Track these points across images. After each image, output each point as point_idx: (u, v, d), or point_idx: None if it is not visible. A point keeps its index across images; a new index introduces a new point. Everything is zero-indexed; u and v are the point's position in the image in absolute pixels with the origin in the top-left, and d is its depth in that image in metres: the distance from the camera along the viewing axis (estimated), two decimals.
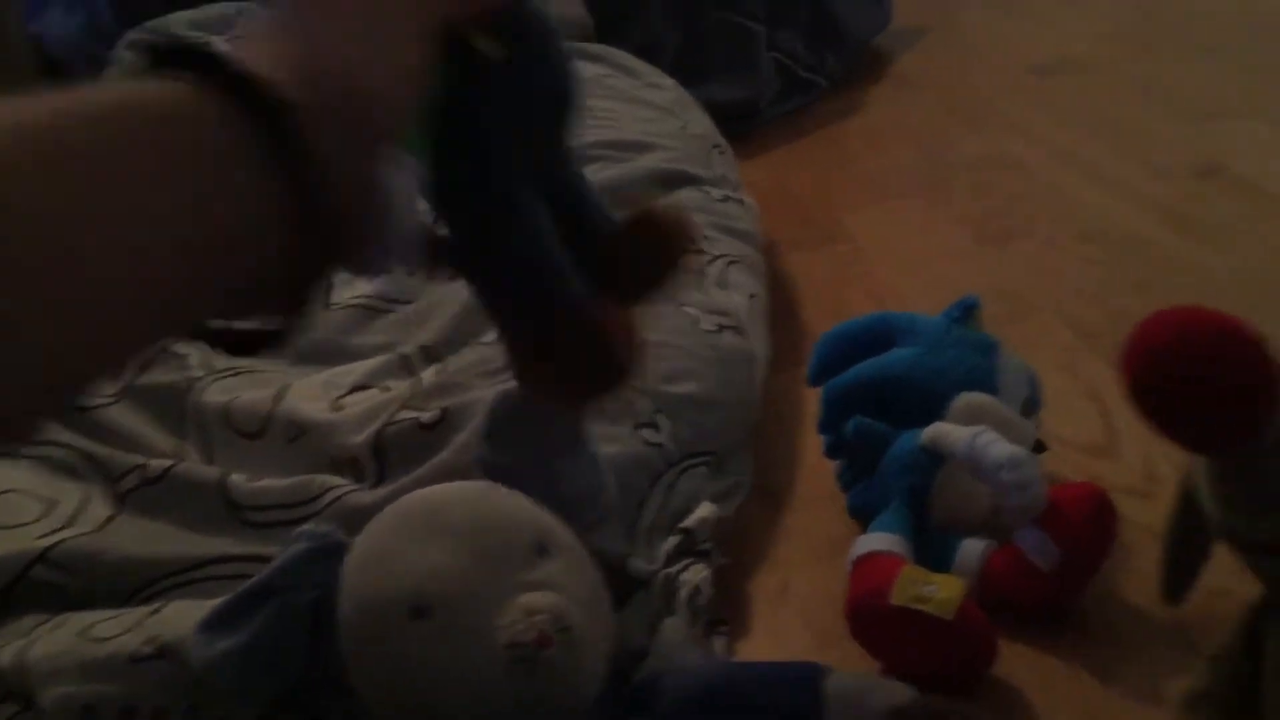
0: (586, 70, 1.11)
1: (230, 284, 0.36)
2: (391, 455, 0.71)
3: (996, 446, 0.62)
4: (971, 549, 0.65)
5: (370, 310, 0.89)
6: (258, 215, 0.35)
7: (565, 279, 0.51)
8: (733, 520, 0.74)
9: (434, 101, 0.44)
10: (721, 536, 0.71)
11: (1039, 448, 0.70)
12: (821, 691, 0.55)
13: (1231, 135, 1.24)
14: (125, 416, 0.78)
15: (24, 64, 1.58)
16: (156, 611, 0.62)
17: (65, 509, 0.70)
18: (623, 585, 0.65)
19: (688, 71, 1.37)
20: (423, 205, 0.45)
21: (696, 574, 0.66)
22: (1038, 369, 0.76)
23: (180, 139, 0.34)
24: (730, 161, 1.15)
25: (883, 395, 0.72)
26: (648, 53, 1.36)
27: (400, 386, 0.78)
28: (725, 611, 0.68)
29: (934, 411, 0.68)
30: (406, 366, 0.82)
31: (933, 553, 0.65)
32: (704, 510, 0.70)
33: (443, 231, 0.51)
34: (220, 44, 0.37)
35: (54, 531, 0.68)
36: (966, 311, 0.75)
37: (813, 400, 0.78)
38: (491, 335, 0.82)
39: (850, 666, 0.61)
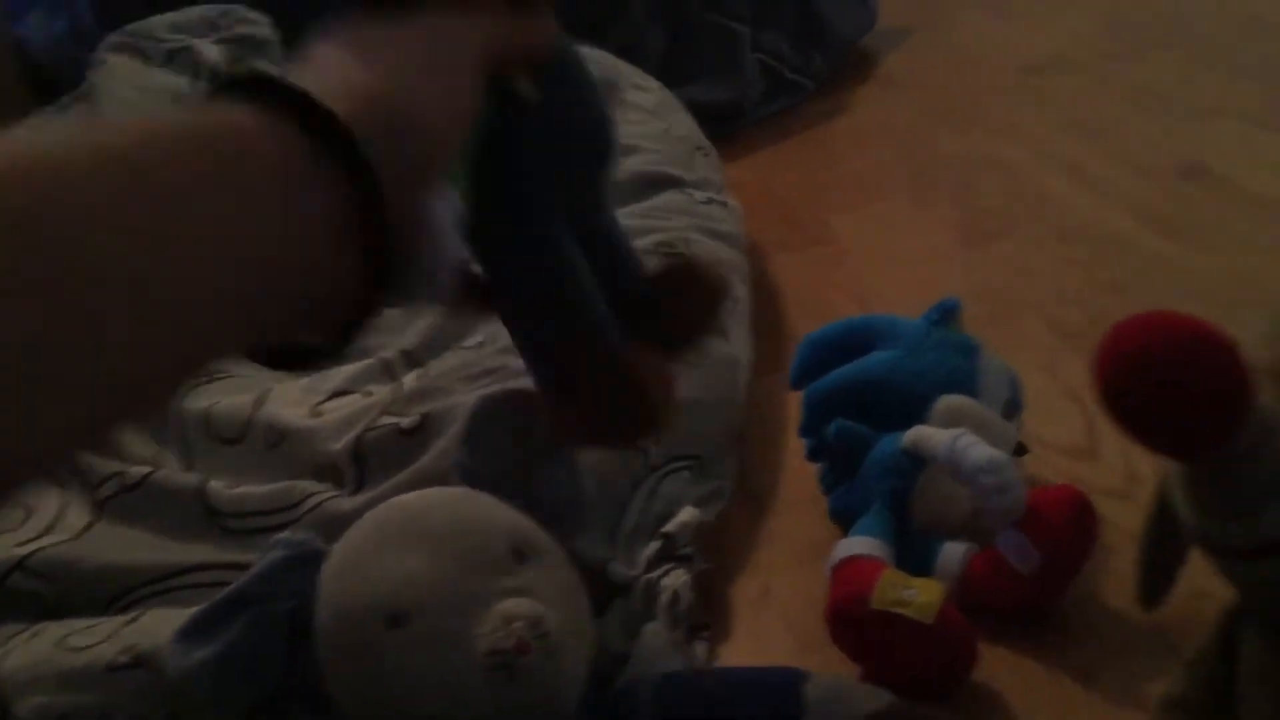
0: None
1: (289, 306, 0.36)
2: (371, 461, 0.71)
3: (976, 450, 0.62)
4: (952, 552, 0.65)
5: None
6: (319, 238, 0.36)
7: (600, 324, 0.52)
8: (715, 524, 0.74)
9: (474, 140, 0.45)
10: (703, 541, 0.71)
11: (1020, 450, 0.70)
12: (801, 696, 0.55)
13: (1214, 136, 1.24)
14: None
15: (6, 67, 1.58)
16: (134, 620, 0.62)
17: (43, 516, 0.70)
18: (603, 590, 0.65)
19: (672, 73, 1.37)
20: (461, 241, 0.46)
21: (677, 579, 0.66)
22: (1019, 370, 0.76)
23: (248, 163, 0.34)
24: (714, 164, 1.15)
25: (864, 398, 0.72)
26: (631, 54, 1.36)
27: (381, 391, 0.77)
28: (707, 616, 0.68)
29: (915, 414, 0.68)
30: (388, 371, 0.82)
31: (914, 556, 0.65)
32: (686, 515, 0.70)
33: (478, 268, 0.51)
34: (285, 72, 0.38)
35: (32, 539, 0.68)
36: (947, 314, 0.76)
37: (796, 404, 0.78)
38: (473, 339, 0.82)
39: (832, 671, 0.62)
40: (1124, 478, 0.73)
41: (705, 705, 0.56)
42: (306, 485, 0.70)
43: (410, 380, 0.78)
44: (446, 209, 0.43)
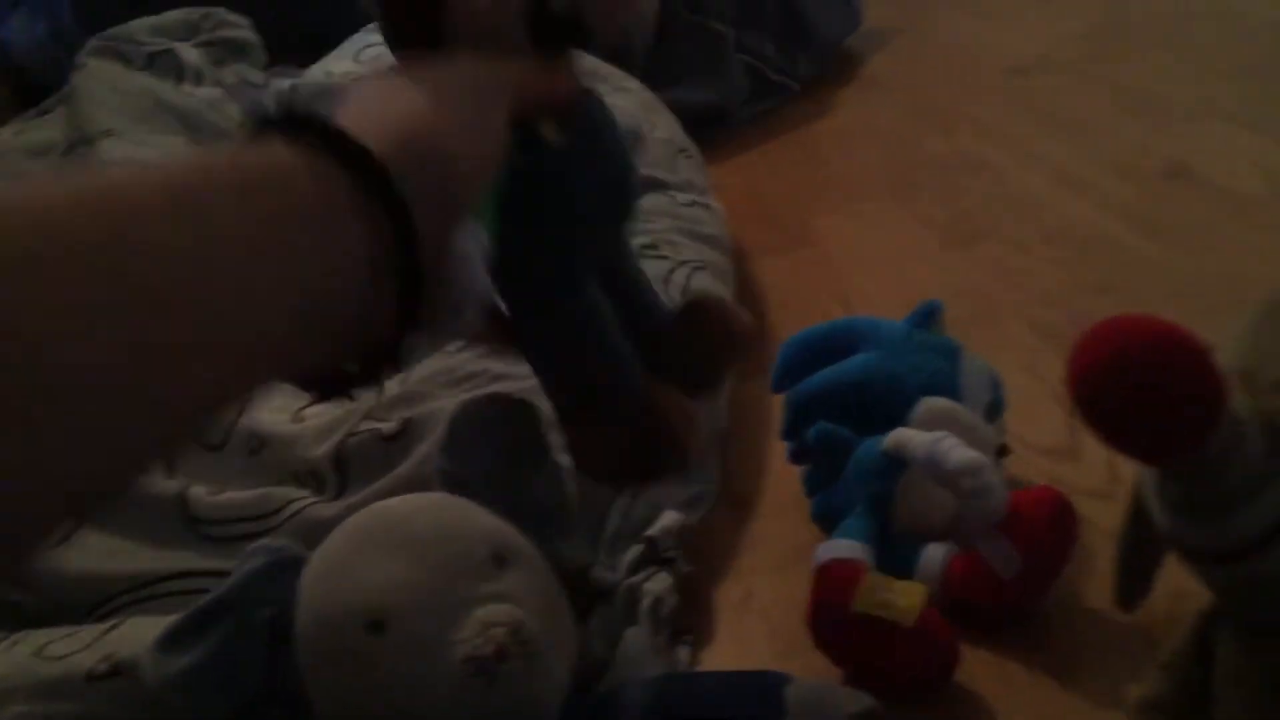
0: None
1: (331, 336, 0.38)
2: (353, 467, 0.71)
3: (957, 452, 0.62)
4: (934, 554, 0.65)
5: None
6: (358, 271, 0.38)
7: (623, 363, 0.53)
8: (698, 528, 0.74)
9: (500, 181, 0.46)
10: (686, 544, 0.71)
11: (1002, 451, 0.71)
12: (782, 699, 0.55)
13: (1197, 136, 1.25)
14: None
15: None
16: (113, 628, 0.61)
17: None
18: (585, 595, 0.65)
19: (656, 74, 1.37)
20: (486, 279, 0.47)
21: (660, 583, 0.66)
22: (1002, 371, 0.77)
23: (297, 202, 0.36)
24: (697, 166, 1.15)
25: (845, 401, 0.72)
26: (614, 56, 1.35)
27: (363, 396, 0.77)
28: (689, 620, 0.68)
29: (897, 417, 0.68)
30: None
31: (896, 558, 0.65)
32: (668, 518, 0.70)
33: (502, 304, 0.52)
34: (324, 110, 0.40)
35: None
36: (929, 316, 0.76)
37: (779, 406, 0.78)
38: (455, 344, 0.82)
39: (814, 674, 0.62)
40: (1106, 478, 0.74)
41: (686, 709, 0.56)
42: (288, 491, 0.70)
43: (392, 385, 0.78)
44: (474, 245, 0.44)
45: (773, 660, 0.65)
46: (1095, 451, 0.77)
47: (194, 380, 0.33)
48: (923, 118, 1.46)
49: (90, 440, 0.29)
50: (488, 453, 0.60)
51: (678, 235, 0.96)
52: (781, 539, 0.75)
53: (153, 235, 0.31)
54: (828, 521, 0.70)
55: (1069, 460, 0.76)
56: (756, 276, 1.10)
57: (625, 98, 1.17)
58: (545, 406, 0.61)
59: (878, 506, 0.67)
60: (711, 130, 1.41)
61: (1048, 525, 0.62)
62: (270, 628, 0.53)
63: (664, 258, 0.91)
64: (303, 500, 0.69)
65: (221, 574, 0.61)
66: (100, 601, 0.65)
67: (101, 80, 1.16)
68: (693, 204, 1.03)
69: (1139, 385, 0.37)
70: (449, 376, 0.76)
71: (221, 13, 1.33)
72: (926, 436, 0.64)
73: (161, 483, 0.71)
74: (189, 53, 1.24)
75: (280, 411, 0.77)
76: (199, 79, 1.22)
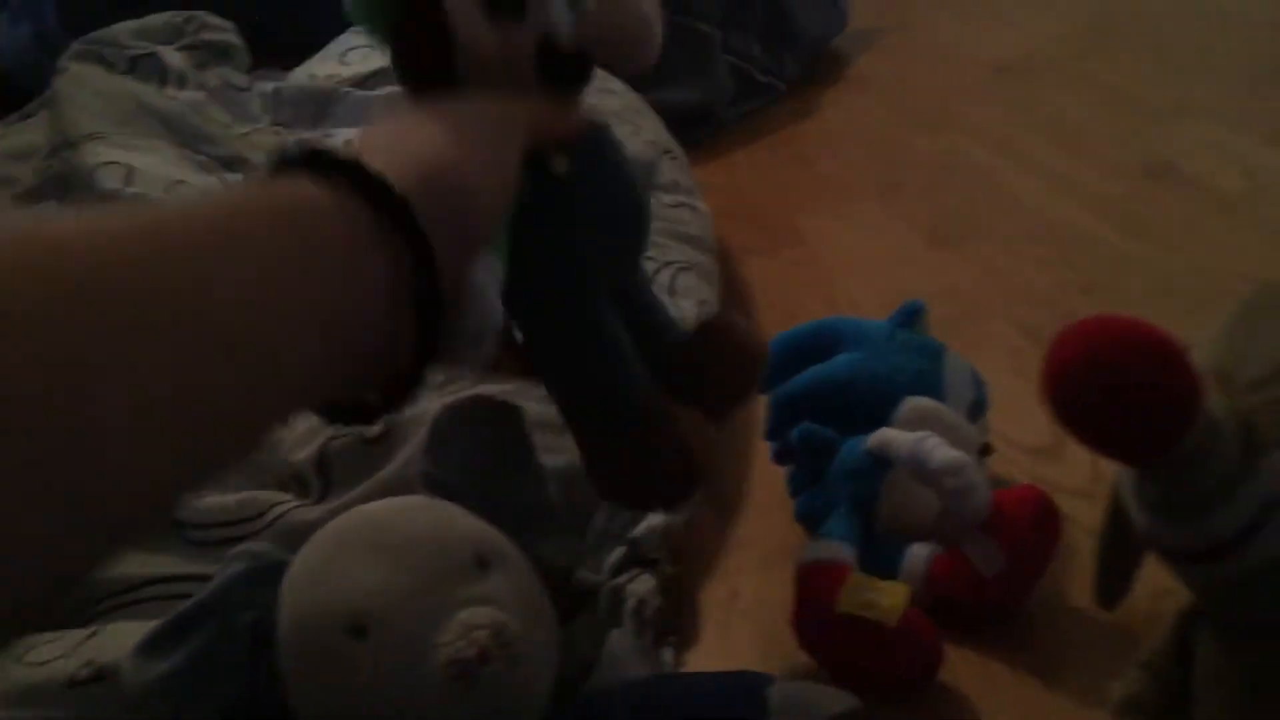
0: None
1: (356, 365, 0.40)
2: (336, 470, 0.71)
3: (940, 452, 0.62)
4: (917, 554, 0.65)
5: None
6: (381, 302, 0.39)
7: (639, 389, 0.55)
8: (682, 529, 0.73)
9: (512, 212, 0.48)
10: (670, 545, 0.70)
11: (985, 451, 0.71)
12: (765, 700, 0.55)
13: (1182, 135, 1.25)
14: None
15: None
16: (95, 634, 0.61)
17: None
18: (569, 597, 0.64)
19: (641, 76, 1.37)
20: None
21: (644, 584, 0.66)
22: (987, 370, 0.77)
23: (324, 236, 0.38)
24: (682, 167, 1.15)
25: (829, 401, 0.72)
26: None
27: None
28: (674, 621, 0.68)
29: (880, 417, 0.68)
30: None
31: (880, 558, 0.65)
32: (652, 520, 0.70)
33: (517, 332, 0.54)
34: (345, 146, 0.42)
35: None
36: (912, 316, 0.76)
37: (763, 406, 0.78)
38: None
39: (800, 674, 0.62)
40: (1089, 477, 0.74)
41: (670, 711, 0.56)
42: (271, 495, 0.69)
43: None
44: (490, 276, 0.46)
45: (758, 661, 0.65)
46: (1079, 450, 0.75)
47: (235, 411, 0.34)
48: (909, 118, 1.46)
49: (134, 467, 0.30)
50: (470, 455, 0.60)
51: (663, 236, 0.96)
52: (766, 539, 0.75)
53: (200, 270, 0.33)
54: (812, 521, 0.70)
55: (1053, 459, 0.77)
56: (742, 277, 1.10)
57: (610, 99, 1.17)
58: (531, 409, 0.62)
59: (861, 507, 0.67)
60: (698, 131, 1.41)
61: (1031, 524, 0.63)
62: (252, 632, 0.53)
63: (649, 259, 0.91)
64: (286, 504, 0.69)
65: (204, 578, 0.61)
66: (82, 606, 0.65)
67: (84, 84, 1.15)
68: (678, 205, 1.03)
69: (1113, 385, 0.37)
70: (432, 379, 0.75)
71: (205, 16, 1.32)
72: (910, 436, 0.64)
73: None
74: (172, 56, 1.23)
75: None
76: (182, 82, 1.22)
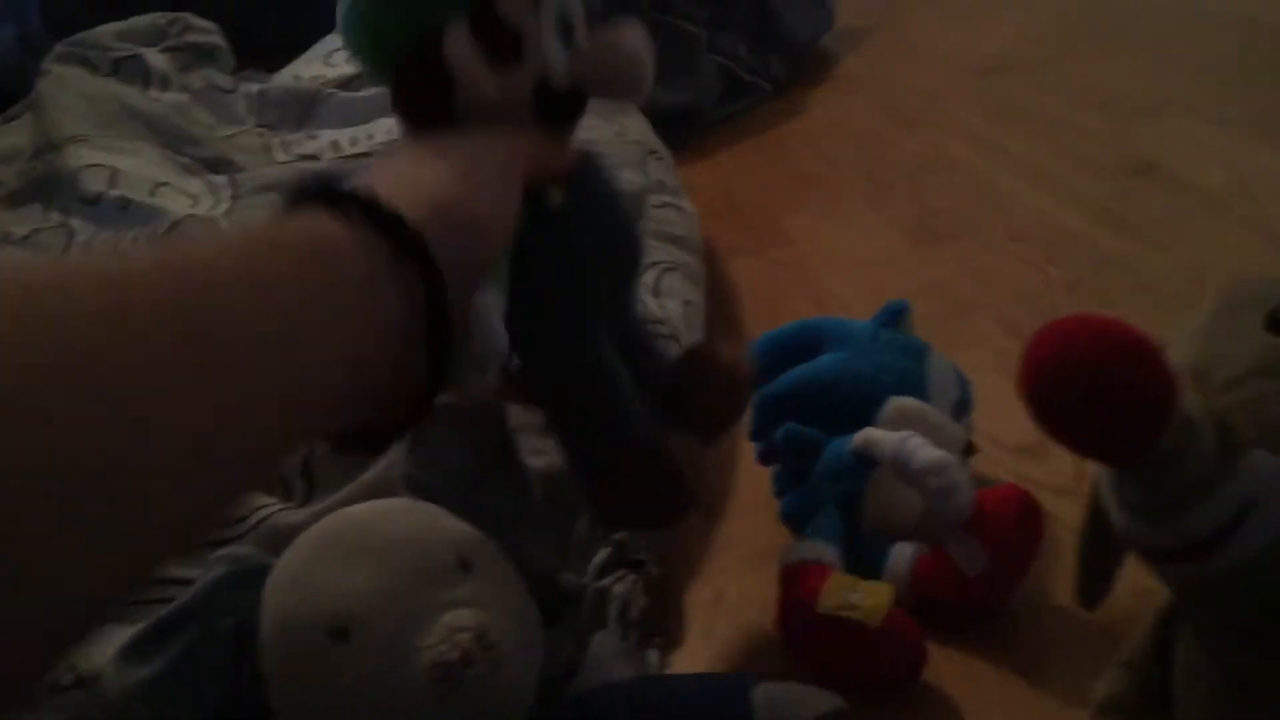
0: None
1: (370, 394, 0.41)
2: (319, 473, 0.71)
3: (924, 452, 0.63)
4: (901, 554, 0.65)
5: None
6: (395, 332, 0.40)
7: (633, 418, 0.56)
8: (668, 530, 0.73)
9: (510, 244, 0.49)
10: (655, 547, 0.70)
11: (969, 450, 0.71)
12: (749, 701, 0.55)
13: (1165, 133, 1.25)
14: None
15: None
16: None
17: None
18: (553, 600, 0.64)
19: None
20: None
21: (628, 586, 0.65)
22: (972, 368, 0.77)
23: (344, 270, 0.39)
24: (668, 167, 1.15)
25: (813, 401, 0.72)
26: None
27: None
28: (659, 623, 0.68)
29: (865, 417, 0.68)
30: None
31: (865, 558, 0.65)
32: None
33: (516, 361, 0.56)
34: (356, 182, 0.43)
35: None
36: (896, 315, 0.76)
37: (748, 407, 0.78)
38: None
39: (785, 675, 0.61)
40: (1073, 476, 0.74)
41: (654, 713, 0.56)
42: (254, 498, 0.69)
43: None
44: (493, 306, 0.47)
45: (743, 661, 0.65)
46: (1063, 449, 0.77)
47: (264, 443, 0.35)
48: (894, 116, 1.47)
49: (176, 501, 0.31)
50: (454, 458, 0.60)
51: (649, 237, 0.96)
52: (751, 540, 0.75)
53: (237, 308, 0.34)
54: (797, 522, 0.70)
55: (1037, 458, 0.77)
56: (729, 277, 1.10)
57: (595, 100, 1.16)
58: (514, 410, 0.62)
59: (846, 507, 0.67)
60: (684, 131, 1.42)
61: (1014, 523, 0.63)
62: (234, 636, 0.53)
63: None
64: (269, 507, 0.68)
65: (187, 582, 0.61)
66: None
67: (67, 86, 1.15)
68: (664, 205, 1.03)
69: (1089, 385, 0.37)
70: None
71: (189, 18, 1.32)
72: (893, 436, 0.64)
73: None
74: (155, 58, 1.23)
75: None
76: (165, 84, 1.22)
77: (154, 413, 0.30)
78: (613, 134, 1.13)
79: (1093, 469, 0.73)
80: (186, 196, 1.06)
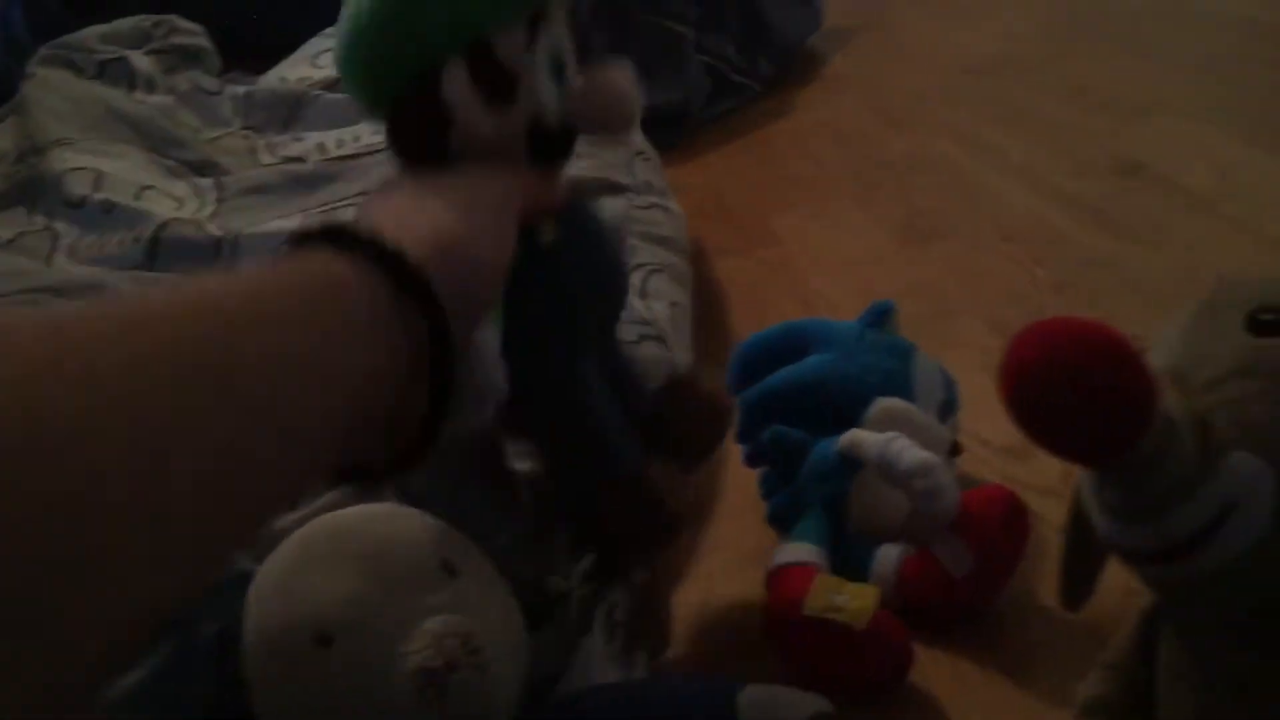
0: None
1: (370, 432, 0.42)
2: None
3: (909, 453, 0.63)
4: (888, 555, 0.65)
5: None
6: (399, 369, 0.41)
7: (620, 449, 0.58)
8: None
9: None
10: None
11: (955, 451, 0.71)
12: (735, 705, 0.55)
13: (1153, 133, 1.26)
14: None
15: None
16: None
17: None
18: (539, 604, 0.64)
19: None
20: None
21: (615, 590, 0.65)
22: (958, 368, 0.77)
23: (351, 311, 0.40)
24: (655, 168, 1.15)
25: (800, 403, 0.72)
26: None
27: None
28: (647, 625, 0.68)
29: (851, 418, 0.68)
30: None
31: (851, 559, 0.65)
32: None
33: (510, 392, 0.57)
34: (358, 222, 0.44)
35: None
36: (881, 316, 0.76)
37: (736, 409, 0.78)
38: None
39: (772, 677, 0.61)
40: (1059, 476, 0.74)
41: (640, 717, 0.56)
42: None
43: None
44: (490, 341, 0.49)
45: (731, 663, 0.65)
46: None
47: (274, 480, 0.36)
48: (882, 116, 1.47)
49: (190, 540, 0.32)
50: (437, 462, 0.59)
51: (635, 238, 0.96)
52: (739, 542, 0.75)
53: (249, 349, 0.35)
54: (784, 524, 0.70)
55: (1023, 458, 0.77)
56: (716, 277, 1.10)
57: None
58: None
59: (832, 508, 0.67)
60: (672, 131, 1.42)
61: (1000, 524, 0.63)
62: (217, 642, 0.53)
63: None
64: None
65: None
66: None
67: (52, 89, 1.14)
68: (651, 206, 1.03)
69: (1069, 388, 0.37)
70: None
71: (175, 20, 1.32)
72: (879, 438, 0.64)
73: None
74: (140, 60, 1.22)
75: None
76: (150, 87, 1.21)
77: (175, 453, 0.31)
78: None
79: (1078, 470, 0.74)
80: (172, 199, 1.06)
